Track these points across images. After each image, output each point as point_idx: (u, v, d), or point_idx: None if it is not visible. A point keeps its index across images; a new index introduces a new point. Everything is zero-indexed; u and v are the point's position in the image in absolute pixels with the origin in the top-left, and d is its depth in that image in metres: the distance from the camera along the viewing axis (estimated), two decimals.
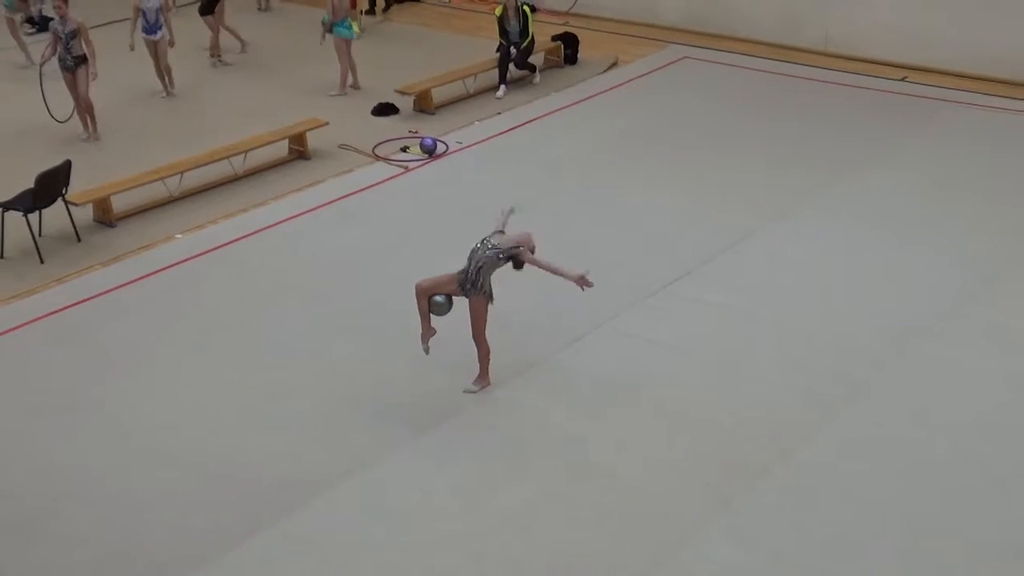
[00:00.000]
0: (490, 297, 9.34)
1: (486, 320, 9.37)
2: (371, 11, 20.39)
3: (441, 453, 8.94)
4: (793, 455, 8.80)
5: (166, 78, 16.35)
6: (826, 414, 9.27)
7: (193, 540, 8.09)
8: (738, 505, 8.30)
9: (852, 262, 11.55)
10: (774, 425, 9.15)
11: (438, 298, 9.35)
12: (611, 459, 8.82)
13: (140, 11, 15.73)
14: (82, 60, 14.41)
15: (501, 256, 9.21)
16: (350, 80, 16.51)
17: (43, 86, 14.65)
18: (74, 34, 14.33)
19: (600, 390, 9.64)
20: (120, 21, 19.14)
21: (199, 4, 17.59)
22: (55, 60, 14.56)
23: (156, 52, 16.06)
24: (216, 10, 17.48)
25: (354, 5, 18.55)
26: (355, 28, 17.54)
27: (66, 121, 14.73)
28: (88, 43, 14.38)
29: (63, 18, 14.31)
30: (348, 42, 16.25)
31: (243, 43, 18.22)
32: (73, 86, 14.58)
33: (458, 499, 8.44)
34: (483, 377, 9.66)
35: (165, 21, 15.78)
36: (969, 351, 10.07)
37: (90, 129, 14.85)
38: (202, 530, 8.18)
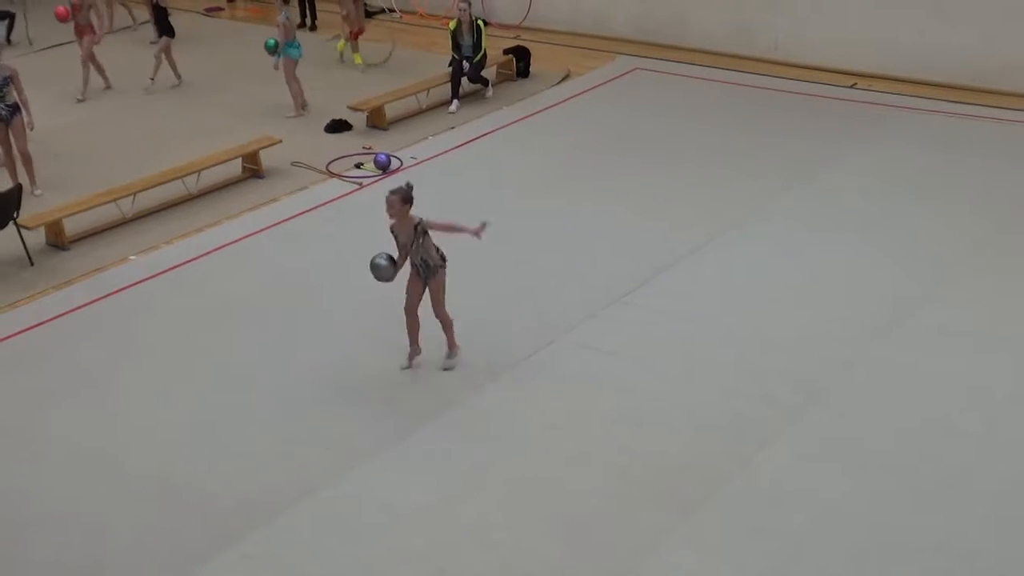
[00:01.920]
0: (443, 260, 9.80)
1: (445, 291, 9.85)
2: (313, 27, 20.39)
3: (401, 469, 8.92)
4: (752, 461, 8.85)
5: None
6: (784, 420, 9.33)
7: (154, 562, 8.03)
8: (698, 513, 8.34)
9: (805, 268, 11.65)
10: (732, 432, 9.21)
11: (380, 260, 9.66)
12: (571, 470, 8.83)
13: None
14: (16, 109, 13.38)
15: (422, 238, 9.66)
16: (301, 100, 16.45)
17: None
18: (7, 81, 13.26)
19: (559, 402, 9.66)
20: (65, 43, 19.10)
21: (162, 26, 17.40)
22: None
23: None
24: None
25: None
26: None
27: None
28: (21, 91, 13.44)
29: None
30: (295, 63, 16.20)
31: (107, 81, 17.49)
32: (6, 139, 13.56)
33: (418, 514, 8.42)
34: (454, 344, 10.08)
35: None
36: (924, 354, 10.18)
37: (29, 181, 13.59)
38: (163, 552, 8.12)
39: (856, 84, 16.78)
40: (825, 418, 9.37)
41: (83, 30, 16.78)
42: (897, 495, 8.47)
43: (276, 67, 16.20)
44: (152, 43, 18.26)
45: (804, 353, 10.21)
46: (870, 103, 16.04)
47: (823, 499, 8.44)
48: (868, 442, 9.05)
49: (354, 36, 18.18)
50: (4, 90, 13.34)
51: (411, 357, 10.10)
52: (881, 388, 9.73)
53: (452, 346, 10.09)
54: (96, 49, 16.93)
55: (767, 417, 9.37)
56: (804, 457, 8.91)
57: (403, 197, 9.60)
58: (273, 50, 16.05)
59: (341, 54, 18.48)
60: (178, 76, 17.51)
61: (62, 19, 16.98)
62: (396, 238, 9.77)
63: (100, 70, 17.23)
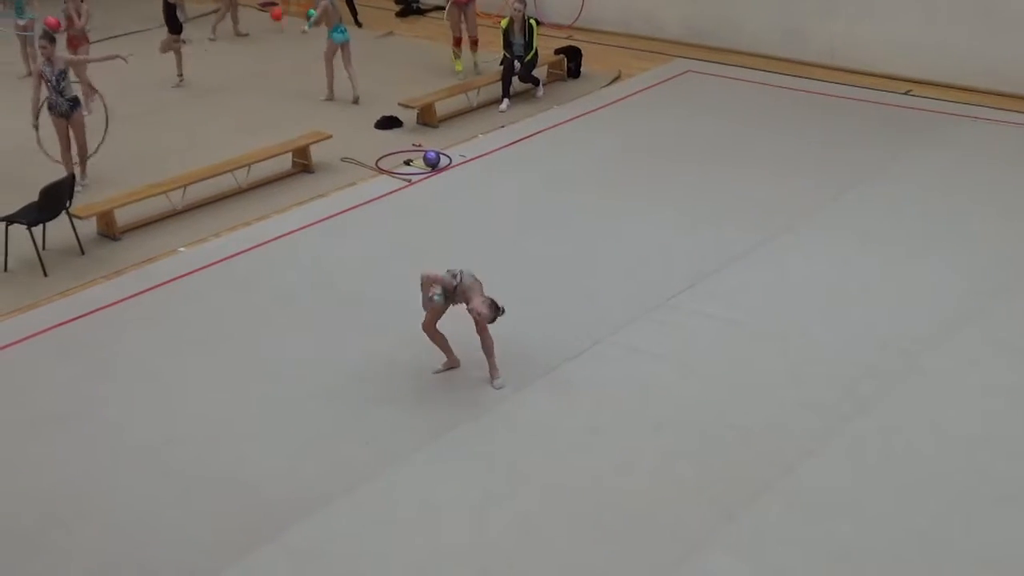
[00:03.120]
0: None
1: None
2: (358, 23, 20.46)
3: (443, 466, 8.91)
4: (797, 469, 8.76)
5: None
6: (831, 428, 9.23)
7: (195, 553, 8.07)
8: (742, 519, 8.27)
9: (857, 275, 11.53)
10: (778, 439, 9.12)
11: (437, 296, 9.48)
12: (614, 473, 8.78)
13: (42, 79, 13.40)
14: (76, 103, 13.45)
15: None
16: (353, 93, 16.53)
17: (39, 137, 13.61)
18: (64, 74, 13.21)
19: (603, 404, 9.61)
20: (134, 33, 19.31)
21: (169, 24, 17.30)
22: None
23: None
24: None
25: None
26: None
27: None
28: (89, 62, 13.56)
29: (49, 59, 13.12)
30: (342, 48, 16.41)
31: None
32: (66, 133, 13.42)
33: (460, 512, 8.40)
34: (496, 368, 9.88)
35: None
36: (974, 365, 10.03)
37: (79, 172, 13.64)
38: (204, 543, 8.15)
39: (911, 91, 16.60)
40: (872, 427, 9.26)
41: (77, 42, 15.88)
42: (946, 508, 8.35)
43: (304, 31, 16.81)
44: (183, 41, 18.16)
45: (852, 361, 10.09)
46: (925, 110, 15.86)
47: (868, 509, 8.34)
48: (916, 453, 8.93)
49: (473, 44, 17.88)
50: (62, 84, 13.31)
51: (447, 365, 9.99)
52: (931, 399, 9.60)
53: (494, 370, 9.85)
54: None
55: (814, 424, 9.28)
56: (850, 466, 8.81)
57: (494, 316, 9.46)
58: (310, 20, 16.61)
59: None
60: (180, 74, 17.51)
61: (52, 30, 15.65)
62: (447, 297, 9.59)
63: (90, 88, 15.73)
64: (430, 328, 9.78)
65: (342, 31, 16.34)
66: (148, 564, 8.00)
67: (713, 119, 15.80)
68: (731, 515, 8.30)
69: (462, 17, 17.66)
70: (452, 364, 9.99)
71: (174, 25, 17.32)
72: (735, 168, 14.10)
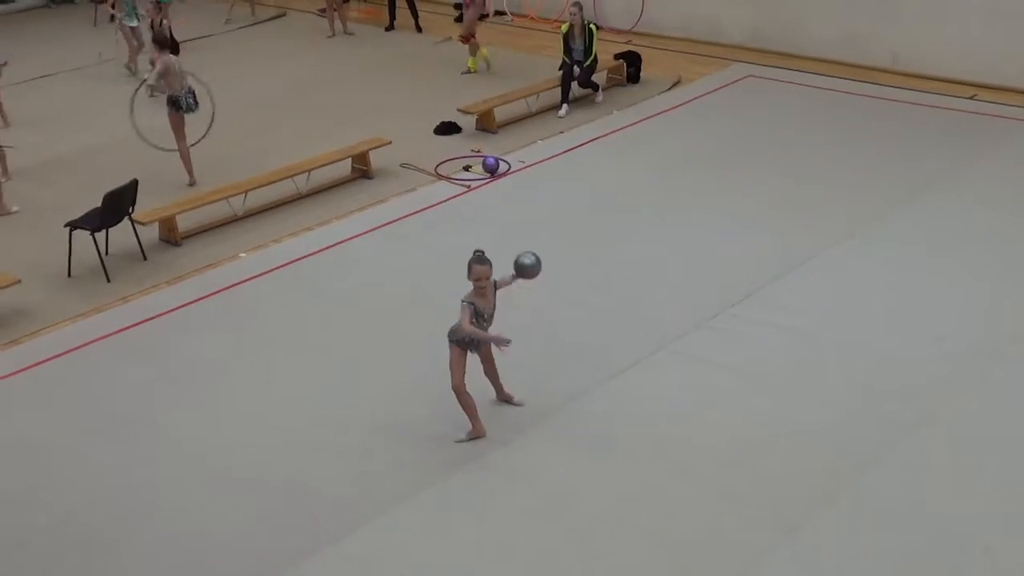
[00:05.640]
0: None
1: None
2: (418, 28, 20.61)
3: (503, 474, 8.87)
4: (860, 480, 8.64)
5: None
6: (894, 438, 9.10)
7: (255, 558, 8.09)
8: (804, 532, 8.16)
9: (920, 285, 11.37)
10: (841, 449, 9.00)
11: (526, 260, 8.92)
12: (673, 484, 8.71)
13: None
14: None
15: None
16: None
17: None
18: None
19: (663, 412, 9.54)
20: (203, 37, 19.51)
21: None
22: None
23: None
24: None
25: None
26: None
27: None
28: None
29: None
30: (132, 30, 18.23)
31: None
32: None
33: (520, 520, 8.36)
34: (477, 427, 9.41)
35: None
36: None
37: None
38: (264, 548, 8.18)
39: (976, 95, 16.38)
40: (938, 437, 9.11)
41: None
42: (1013, 520, 8.20)
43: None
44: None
45: (917, 371, 9.94)
46: (990, 115, 15.64)
47: (933, 521, 8.20)
48: (982, 464, 8.78)
49: (463, 40, 18.21)
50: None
51: (474, 434, 9.23)
52: (997, 409, 9.44)
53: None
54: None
55: (877, 435, 9.15)
56: (914, 477, 8.67)
57: (481, 259, 8.92)
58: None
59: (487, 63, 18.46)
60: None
61: None
62: (481, 313, 8.98)
63: None
64: (460, 387, 9.10)
65: (134, 14, 18.14)
66: (204, 568, 8.04)
67: (774, 125, 15.68)
68: (792, 527, 8.20)
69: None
70: (478, 434, 9.26)
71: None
72: (796, 174, 13.98)
